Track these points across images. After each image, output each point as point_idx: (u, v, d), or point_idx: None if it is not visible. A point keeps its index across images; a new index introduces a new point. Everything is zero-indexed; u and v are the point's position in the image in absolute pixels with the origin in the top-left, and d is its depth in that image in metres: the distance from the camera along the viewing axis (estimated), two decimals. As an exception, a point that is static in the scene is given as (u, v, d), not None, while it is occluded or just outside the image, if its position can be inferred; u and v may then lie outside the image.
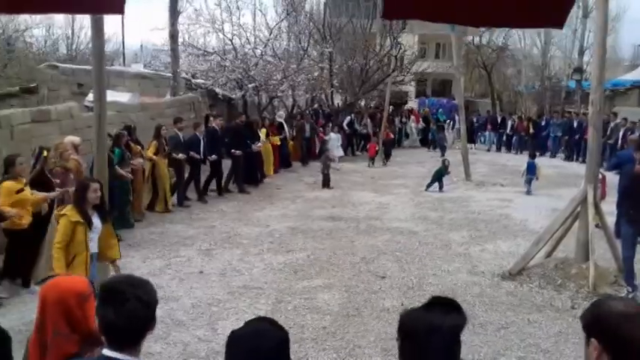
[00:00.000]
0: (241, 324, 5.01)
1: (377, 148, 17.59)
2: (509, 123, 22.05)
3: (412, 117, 23.84)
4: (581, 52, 27.49)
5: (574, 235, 7.24)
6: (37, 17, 19.77)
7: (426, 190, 12.91)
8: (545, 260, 7.37)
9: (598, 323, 1.55)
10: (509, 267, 7.32)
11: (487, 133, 22.87)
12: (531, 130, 21.08)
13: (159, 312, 6.09)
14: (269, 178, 13.98)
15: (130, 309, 1.86)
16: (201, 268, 7.33)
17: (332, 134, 16.76)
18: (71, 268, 4.92)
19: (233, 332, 1.80)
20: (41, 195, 6.51)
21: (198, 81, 16.57)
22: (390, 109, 22.56)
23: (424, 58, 32.25)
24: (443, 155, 15.59)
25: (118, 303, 1.87)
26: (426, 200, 12.00)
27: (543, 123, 21.44)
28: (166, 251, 8.01)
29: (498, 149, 22.05)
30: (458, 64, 16.81)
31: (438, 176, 13.07)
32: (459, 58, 17.10)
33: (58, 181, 7.02)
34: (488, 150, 22.06)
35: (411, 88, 33.40)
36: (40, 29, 21.84)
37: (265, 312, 5.91)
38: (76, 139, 7.84)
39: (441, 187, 13.04)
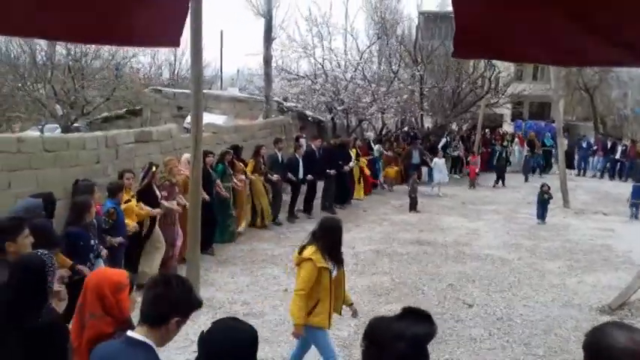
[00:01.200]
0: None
1: (477, 171, 17.28)
2: (620, 148, 20.62)
3: (516, 140, 23.00)
4: (697, 73, 25.42)
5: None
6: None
7: (540, 222, 11.86)
8: (651, 295, 6.80)
9: (599, 355, 1.46)
10: (609, 301, 6.83)
11: (595, 158, 21.43)
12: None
13: (243, 327, 6.12)
14: (355, 200, 13.99)
15: (150, 296, 2.10)
16: (286, 286, 7.42)
17: (436, 159, 15.85)
18: (314, 315, 4.63)
19: (204, 332, 1.93)
20: (146, 210, 7.08)
21: (290, 104, 17.02)
22: (487, 132, 22.02)
23: (521, 79, 31.17)
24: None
25: (146, 290, 2.13)
26: (520, 227, 11.49)
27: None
28: (254, 268, 8.21)
29: (602, 176, 20.61)
30: (557, 86, 16.12)
31: (543, 204, 12.04)
32: (558, 79, 16.39)
33: (165, 193, 7.62)
34: (593, 176, 20.69)
35: (506, 111, 32.30)
36: (146, 56, 23.45)
37: (348, 333, 5.88)
38: (189, 155, 8.35)
39: (542, 217, 11.98)
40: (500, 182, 17.53)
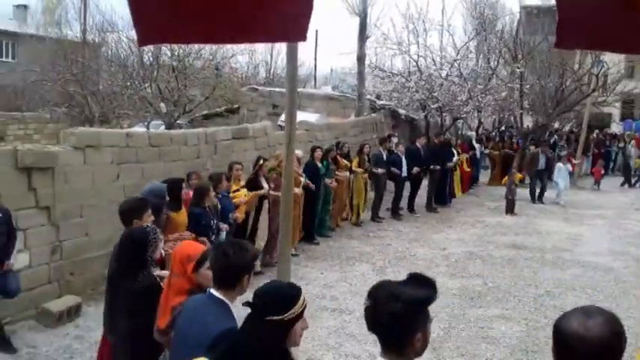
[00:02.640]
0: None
1: (602, 172, 16.59)
2: None
3: (633, 142, 21.52)
4: None
5: None
6: (243, 45, 21.98)
7: None
8: None
9: (556, 338, 1.53)
10: None
11: None
12: None
13: (332, 322, 6.28)
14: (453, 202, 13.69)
15: (221, 261, 2.56)
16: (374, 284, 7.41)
17: (560, 164, 14.18)
18: None
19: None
20: (252, 193, 7.59)
21: (382, 102, 16.93)
22: (597, 133, 20.78)
23: (632, 77, 29.01)
24: None
25: (215, 256, 2.61)
26: (627, 234, 10.71)
27: None
28: (343, 265, 8.27)
29: None
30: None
31: None
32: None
33: (272, 185, 8.07)
34: None
35: (615, 110, 30.21)
36: (244, 56, 24.22)
37: (437, 335, 5.77)
38: (299, 152, 8.65)
39: None
40: (626, 184, 16.60)
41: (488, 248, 9.46)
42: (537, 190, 14.13)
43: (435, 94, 15.83)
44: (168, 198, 5.50)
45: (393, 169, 11.39)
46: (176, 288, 3.08)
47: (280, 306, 2.12)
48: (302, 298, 2.19)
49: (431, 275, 6.30)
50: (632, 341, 5.61)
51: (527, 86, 18.12)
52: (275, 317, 2.10)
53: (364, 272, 7.94)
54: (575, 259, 8.95)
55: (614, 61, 22.43)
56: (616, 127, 29.55)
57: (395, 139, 12.63)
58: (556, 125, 22.13)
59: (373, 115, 15.71)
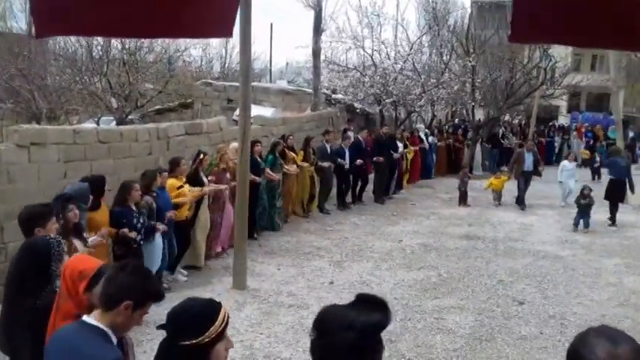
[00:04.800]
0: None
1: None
2: None
3: (574, 133, 22.28)
4: None
5: None
6: (196, 38, 21.66)
7: (575, 230, 10.50)
8: None
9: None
10: (670, 302, 6.50)
11: None
12: None
13: (289, 318, 6.24)
14: (404, 193, 13.86)
15: (104, 280, 2.22)
16: (332, 278, 7.43)
17: (566, 163, 12.94)
18: None
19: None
20: (197, 190, 7.37)
21: (338, 96, 16.96)
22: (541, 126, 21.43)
23: (578, 70, 30.01)
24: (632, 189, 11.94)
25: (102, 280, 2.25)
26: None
27: None
28: (300, 260, 8.25)
29: None
30: (616, 76, 15.44)
31: (581, 210, 10.54)
32: (618, 70, 15.69)
33: (213, 178, 7.96)
34: None
35: (562, 103, 31.20)
36: (197, 49, 23.86)
37: (393, 328, 5.82)
38: (236, 145, 8.60)
39: (585, 224, 10.51)
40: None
41: (442, 239, 9.62)
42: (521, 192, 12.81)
43: (390, 88, 15.98)
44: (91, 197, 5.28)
45: (339, 160, 11.48)
46: (63, 311, 2.67)
47: (196, 328, 1.88)
48: (222, 315, 1.95)
49: (387, 268, 6.38)
50: (580, 329, 5.82)
51: (479, 80, 18.49)
52: (191, 341, 1.86)
53: (321, 267, 7.95)
54: (526, 248, 9.20)
55: (561, 54, 23.13)
56: (563, 119, 30.56)
57: (351, 134, 12.69)
58: (506, 118, 22.71)
59: (329, 109, 15.72)
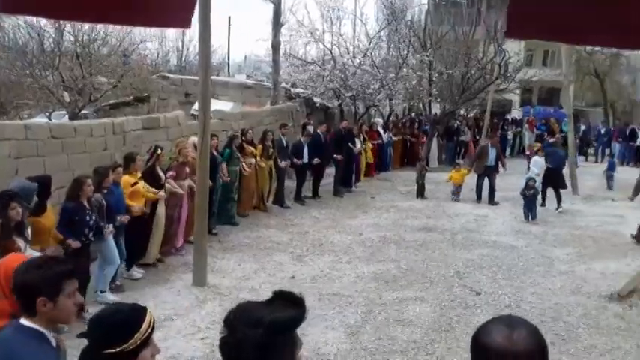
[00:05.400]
0: (330, 331, 5.05)
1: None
2: None
3: (526, 126, 22.91)
4: None
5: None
6: (152, 31, 21.18)
7: (525, 221, 10.71)
8: (660, 283, 6.75)
9: (477, 352, 1.39)
10: (617, 288, 6.78)
11: (616, 145, 21.01)
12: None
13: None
14: (363, 187, 13.99)
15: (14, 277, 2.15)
16: (293, 273, 7.45)
17: (537, 158, 12.76)
18: None
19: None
20: (152, 193, 7.20)
21: (298, 90, 16.94)
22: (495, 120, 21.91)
23: (530, 65, 30.82)
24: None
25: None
26: (528, 214, 11.41)
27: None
28: (260, 255, 8.23)
29: (623, 164, 19.51)
30: (567, 71, 15.92)
31: (527, 201, 10.81)
32: (569, 65, 16.19)
33: (174, 173, 7.86)
34: (622, 164, 19.91)
35: (515, 97, 32.02)
36: (154, 42, 23.42)
37: (355, 321, 5.89)
38: (194, 139, 8.48)
39: (532, 215, 10.78)
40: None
41: (401, 232, 9.76)
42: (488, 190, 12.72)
43: (349, 82, 16.07)
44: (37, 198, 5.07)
45: (294, 159, 11.54)
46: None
47: (119, 335, 1.78)
48: (147, 320, 1.86)
49: (348, 261, 6.44)
50: (534, 317, 5.98)
51: (436, 74, 18.78)
52: (114, 349, 1.76)
53: (282, 261, 7.96)
54: (482, 239, 9.43)
55: (514, 50, 23.72)
56: (516, 113, 31.38)
57: (310, 128, 12.72)
58: (462, 112, 23.15)
59: (289, 103, 15.69)
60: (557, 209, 11.64)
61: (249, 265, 7.75)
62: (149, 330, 1.86)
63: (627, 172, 16.61)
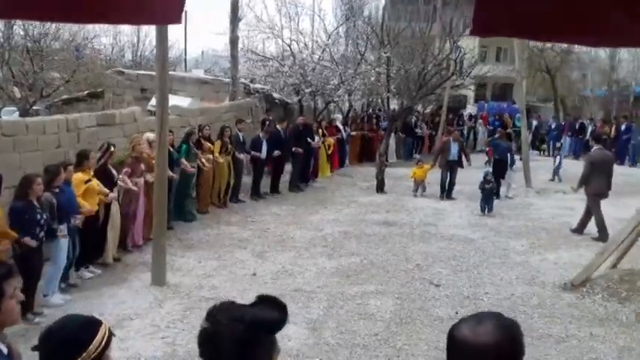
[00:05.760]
0: (292, 327, 5.04)
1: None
2: (590, 128, 20.89)
3: (480, 121, 23.41)
4: (653, 55, 26.11)
5: (642, 246, 6.88)
6: (106, 26, 20.65)
7: (481, 214, 10.97)
8: (610, 272, 7.04)
9: (448, 344, 1.47)
10: (571, 278, 7.03)
11: (566, 138, 21.64)
12: (612, 134, 20.03)
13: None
14: (323, 182, 14.05)
15: None
16: (254, 270, 7.41)
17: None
18: None
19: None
20: (103, 194, 7.01)
21: (257, 86, 16.84)
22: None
23: (484, 61, 31.51)
24: (512, 166, 13.11)
25: None
26: (484, 207, 11.67)
27: (623, 127, 19.96)
28: (221, 252, 8.16)
29: (577, 157, 20.10)
30: (520, 67, 16.33)
31: (485, 195, 11.05)
32: (522, 61, 16.61)
33: (129, 170, 7.71)
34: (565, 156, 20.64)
35: (470, 93, 32.71)
36: (108, 37, 22.83)
37: (317, 316, 5.91)
38: (151, 135, 8.34)
39: (489, 208, 11.01)
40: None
41: (362, 227, 9.84)
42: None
43: (309, 78, 16.07)
44: None
45: (253, 152, 11.55)
46: None
47: (69, 351, 1.69)
48: (101, 334, 1.76)
49: (310, 256, 6.45)
50: (492, 308, 6.15)
51: (394, 71, 18.97)
52: None
53: (244, 259, 7.91)
54: (440, 232, 9.61)
55: (469, 46, 24.19)
56: (471, 109, 32.07)
57: (270, 124, 12.68)
58: (419, 108, 23.50)
59: (248, 99, 15.58)
60: (506, 195, 12.47)
61: (209, 263, 7.68)
62: (102, 345, 1.76)
63: (577, 165, 17.21)
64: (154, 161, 8.05)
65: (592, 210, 9.50)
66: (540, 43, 31.68)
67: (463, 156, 13.03)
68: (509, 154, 12.91)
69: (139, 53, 28.54)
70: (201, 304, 6.19)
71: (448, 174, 12.55)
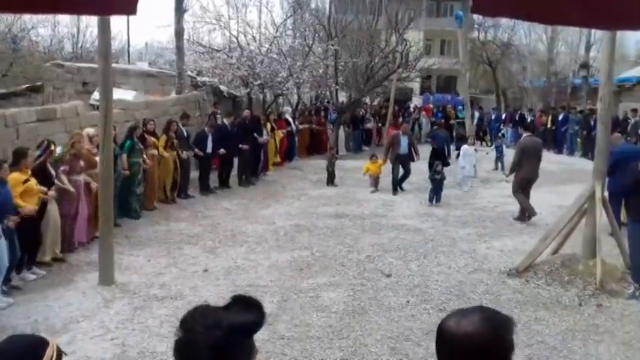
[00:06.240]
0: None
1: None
2: (529, 119, 21.61)
3: (423, 113, 23.85)
4: (588, 48, 27.25)
5: (581, 231, 7.19)
6: (44, 16, 19.81)
7: (430, 203, 11.22)
8: (552, 257, 7.33)
9: (437, 336, 1.50)
10: (515, 264, 7.28)
11: (507, 129, 22.25)
12: (549, 125, 20.82)
13: (164, 311, 6.04)
14: (273, 176, 14.01)
15: None
16: (206, 266, 7.32)
17: (466, 147, 12.93)
18: None
19: None
20: (42, 193, 6.74)
21: (204, 79, 16.56)
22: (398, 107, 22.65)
23: (429, 54, 32.12)
24: (449, 155, 13.60)
25: None
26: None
27: (561, 117, 20.74)
28: (171, 249, 8.01)
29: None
30: (463, 60, 16.75)
31: (435, 185, 11.32)
32: (465, 54, 17.04)
33: (67, 168, 7.44)
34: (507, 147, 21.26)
35: (415, 85, 33.29)
36: (46, 28, 21.86)
37: (271, 310, 5.89)
38: (91, 130, 8.06)
39: (437, 199, 11.26)
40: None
41: (313, 219, 9.87)
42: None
43: (257, 70, 15.93)
44: None
45: (196, 150, 11.39)
46: None
47: None
48: (49, 355, 1.60)
49: (262, 251, 6.41)
50: (441, 296, 6.28)
51: (342, 63, 19.07)
52: None
53: (194, 255, 7.79)
54: (389, 223, 9.75)
55: (414, 39, 24.61)
56: (417, 101, 32.68)
57: (219, 117, 12.52)
58: (367, 100, 23.75)
59: (195, 92, 15.31)
60: (465, 191, 12.74)
61: (159, 261, 7.52)
62: None
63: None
64: (95, 158, 7.82)
65: (515, 194, 10.09)
66: (483, 35, 32.68)
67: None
68: (446, 145, 13.86)
69: (79, 45, 27.51)
70: (151, 303, 6.07)
71: (400, 168, 12.38)
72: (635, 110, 17.53)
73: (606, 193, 7.41)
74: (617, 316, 5.94)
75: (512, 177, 10.43)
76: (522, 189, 10.02)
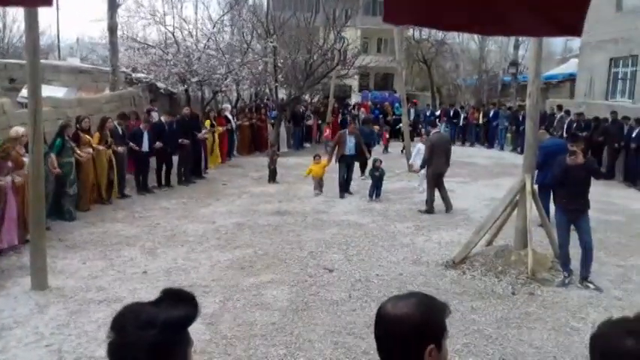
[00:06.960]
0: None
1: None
2: (463, 115, 22.36)
3: (362, 109, 24.15)
4: (516, 47, 28.47)
5: (513, 223, 7.51)
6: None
7: (369, 198, 11.35)
8: (487, 248, 7.62)
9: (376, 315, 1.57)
10: (452, 256, 7.52)
11: (442, 125, 22.84)
12: (481, 121, 21.60)
13: (101, 315, 5.89)
14: (214, 174, 13.84)
15: None
16: (145, 268, 7.15)
17: (420, 146, 12.19)
18: None
19: None
20: None
21: (139, 75, 16.13)
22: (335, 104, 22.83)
23: (367, 52, 32.56)
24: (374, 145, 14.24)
25: None
26: (372, 193, 12.12)
27: (492, 114, 21.61)
28: (108, 251, 7.77)
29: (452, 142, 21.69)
30: (400, 58, 17.05)
31: (375, 181, 11.42)
32: (401, 52, 17.35)
33: None
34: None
35: (354, 82, 33.68)
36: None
37: (213, 310, 5.84)
38: (20, 129, 7.71)
39: (377, 194, 11.42)
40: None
41: (255, 217, 9.83)
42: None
43: (194, 67, 15.67)
44: None
45: (131, 144, 11.16)
46: None
47: None
48: None
49: (203, 250, 6.34)
50: (382, 289, 6.40)
51: (281, 60, 19.04)
52: None
53: (133, 256, 7.59)
54: (331, 219, 9.85)
55: (352, 37, 24.90)
56: (355, 98, 33.08)
57: (155, 114, 12.24)
58: (307, 97, 23.83)
59: (130, 89, 14.89)
60: (361, 176, 13.37)
61: (95, 264, 7.28)
62: None
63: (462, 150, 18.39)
64: (23, 158, 7.50)
65: (427, 187, 10.64)
66: (418, 34, 33.40)
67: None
68: (371, 138, 14.96)
69: (5, 40, 26.15)
70: (88, 307, 5.88)
71: (346, 169, 11.88)
72: (560, 106, 18.48)
73: (536, 186, 7.76)
74: (548, 303, 6.25)
75: (424, 171, 11.01)
76: (436, 183, 10.53)
